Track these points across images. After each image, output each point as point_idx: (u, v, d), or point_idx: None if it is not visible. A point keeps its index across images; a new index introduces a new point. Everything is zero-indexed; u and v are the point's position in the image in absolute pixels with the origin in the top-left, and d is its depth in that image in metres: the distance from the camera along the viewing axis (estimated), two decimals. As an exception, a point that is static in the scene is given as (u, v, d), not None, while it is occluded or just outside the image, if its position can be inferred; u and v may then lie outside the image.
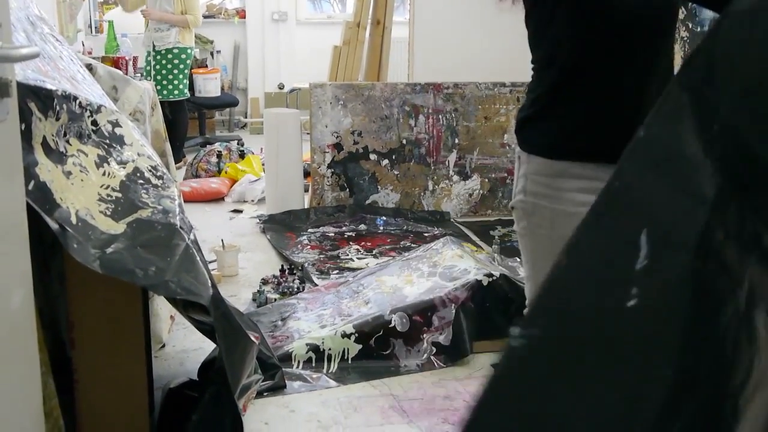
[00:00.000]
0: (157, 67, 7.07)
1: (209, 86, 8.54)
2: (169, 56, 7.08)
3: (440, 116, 5.65)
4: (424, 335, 3.41)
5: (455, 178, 5.71)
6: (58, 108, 2.11)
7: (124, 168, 2.29)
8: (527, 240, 2.08)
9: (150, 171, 2.34)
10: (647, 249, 0.74)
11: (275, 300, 4.01)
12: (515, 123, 2.11)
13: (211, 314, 2.14)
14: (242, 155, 6.90)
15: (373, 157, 5.63)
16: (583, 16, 1.90)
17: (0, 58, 1.41)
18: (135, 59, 6.00)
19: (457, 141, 5.68)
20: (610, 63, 1.92)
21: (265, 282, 4.29)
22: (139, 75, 6.78)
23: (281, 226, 5.33)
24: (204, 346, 3.33)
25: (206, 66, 9.14)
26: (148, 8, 7.11)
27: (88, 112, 2.27)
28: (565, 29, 1.92)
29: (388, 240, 5.07)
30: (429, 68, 5.82)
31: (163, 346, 3.47)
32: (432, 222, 5.49)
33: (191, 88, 8.00)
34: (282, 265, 4.56)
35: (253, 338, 2.55)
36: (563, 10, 1.91)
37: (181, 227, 2.20)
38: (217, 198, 6.24)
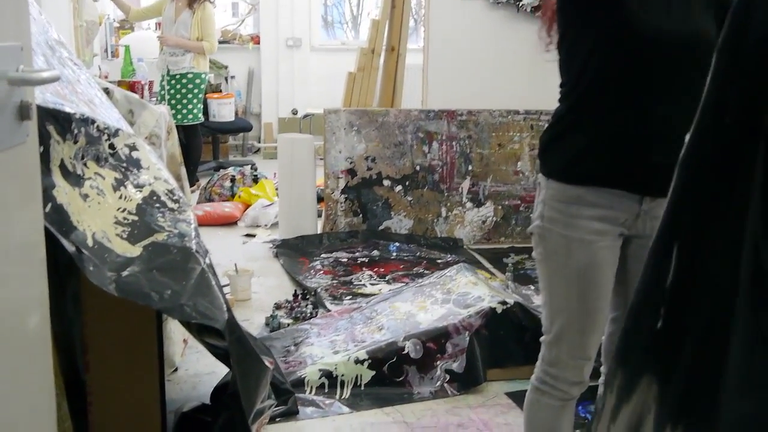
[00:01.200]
0: (172, 91, 7.10)
1: (223, 111, 8.58)
2: (184, 81, 7.12)
3: (454, 143, 5.65)
4: (438, 362, 3.39)
5: (468, 204, 5.71)
6: (76, 131, 2.12)
7: (140, 191, 2.29)
8: (543, 266, 2.08)
9: (166, 195, 2.34)
10: None
11: (288, 325, 4.00)
12: (538, 146, 2.12)
13: (225, 339, 2.13)
14: (256, 180, 6.91)
15: (386, 183, 5.63)
16: (609, 41, 1.91)
17: (21, 82, 1.42)
18: (150, 83, 6.05)
19: (470, 168, 5.68)
20: (633, 89, 1.92)
21: (278, 307, 4.29)
22: (154, 99, 6.82)
23: (294, 251, 5.33)
24: (217, 371, 3.32)
25: (220, 91, 9.18)
26: (164, 34, 7.16)
27: (105, 135, 2.28)
28: (591, 53, 1.93)
29: (401, 266, 5.06)
30: (443, 95, 5.83)
31: (176, 369, 3.46)
32: (445, 249, 5.48)
33: (205, 112, 8.04)
34: (295, 290, 4.56)
35: (267, 363, 2.54)
36: (592, 33, 1.92)
37: (196, 251, 2.20)
38: (230, 222, 6.25)
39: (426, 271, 4.86)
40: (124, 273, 2.03)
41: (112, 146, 2.31)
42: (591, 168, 1.98)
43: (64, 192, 2.03)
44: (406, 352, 3.39)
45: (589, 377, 2.13)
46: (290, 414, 3.10)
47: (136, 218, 2.20)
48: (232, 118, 8.75)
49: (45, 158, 1.96)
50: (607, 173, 1.97)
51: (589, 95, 1.97)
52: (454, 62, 5.83)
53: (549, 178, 2.04)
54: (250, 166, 7.43)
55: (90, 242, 2.02)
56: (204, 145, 8.03)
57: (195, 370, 3.49)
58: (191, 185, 6.62)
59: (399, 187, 5.64)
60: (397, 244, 5.47)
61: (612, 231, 2.00)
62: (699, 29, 1.89)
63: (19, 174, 1.51)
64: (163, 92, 7.10)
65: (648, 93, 1.90)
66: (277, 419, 3.05)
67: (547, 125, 2.12)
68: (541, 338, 2.15)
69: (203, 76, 7.26)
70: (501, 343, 3.47)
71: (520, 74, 5.76)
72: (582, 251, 1.99)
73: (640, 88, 1.90)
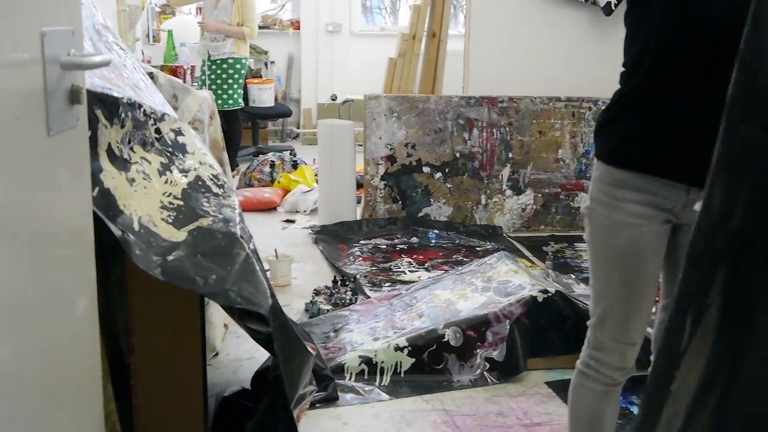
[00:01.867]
0: (212, 76, 7.12)
1: (263, 96, 8.60)
2: (224, 66, 7.14)
3: (494, 130, 5.62)
4: (478, 350, 3.38)
5: (508, 192, 5.68)
6: (123, 116, 2.13)
7: (186, 176, 2.30)
8: (590, 247, 2.09)
9: (211, 180, 2.35)
10: None
11: (328, 311, 4.00)
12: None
13: (269, 324, 2.14)
14: (295, 165, 6.93)
15: (426, 169, 5.62)
16: (672, 25, 1.87)
17: (73, 66, 1.42)
18: (193, 68, 6.07)
19: (510, 155, 5.65)
20: (691, 77, 1.88)
21: (317, 293, 4.29)
22: (196, 84, 6.85)
23: (333, 237, 5.33)
24: (257, 356, 3.34)
25: (260, 76, 9.21)
26: (205, 20, 7.18)
27: (152, 120, 2.29)
28: (653, 36, 1.90)
29: (440, 253, 5.05)
30: (484, 81, 5.79)
31: (217, 354, 3.48)
32: (484, 236, 5.46)
33: (245, 97, 8.06)
34: (334, 276, 4.57)
35: (309, 349, 2.54)
36: (656, 14, 1.89)
37: (241, 236, 2.20)
38: (269, 208, 6.27)
39: (465, 259, 4.84)
40: (170, 257, 2.04)
41: (158, 131, 2.32)
42: (638, 154, 1.96)
43: (111, 176, 2.04)
44: (446, 339, 3.38)
45: (634, 363, 2.12)
46: (330, 400, 3.11)
47: (181, 203, 2.21)
48: (272, 104, 8.77)
49: (93, 142, 1.97)
50: (653, 161, 1.95)
51: (646, 80, 1.93)
52: (495, 48, 5.80)
53: (599, 160, 2.04)
54: (289, 151, 7.45)
55: (136, 226, 2.03)
56: (243, 130, 8.06)
57: (235, 355, 3.50)
58: (231, 170, 6.65)
59: (439, 174, 5.62)
60: (436, 231, 5.46)
61: (657, 216, 1.98)
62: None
63: (70, 158, 1.52)
64: (203, 77, 7.12)
65: (706, 81, 1.86)
66: (317, 405, 3.06)
67: (604, 107, 2.10)
68: (588, 322, 2.15)
69: (243, 61, 7.27)
70: (541, 332, 3.45)
71: (561, 61, 5.72)
72: (625, 234, 1.98)
73: (699, 75, 1.87)
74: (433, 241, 5.32)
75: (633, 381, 2.20)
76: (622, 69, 2.00)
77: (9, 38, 1.26)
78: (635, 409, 3.03)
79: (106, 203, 1.98)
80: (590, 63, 5.59)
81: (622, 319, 2.05)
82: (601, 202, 2.01)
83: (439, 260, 4.90)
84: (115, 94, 2.12)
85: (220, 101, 7.04)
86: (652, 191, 1.96)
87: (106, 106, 2.07)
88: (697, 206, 1.31)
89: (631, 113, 1.98)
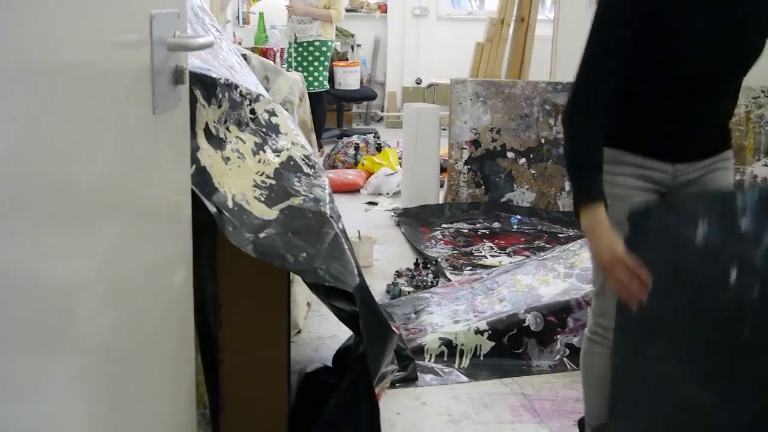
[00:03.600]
0: (299, 58, 7.20)
1: (349, 79, 8.67)
2: (311, 48, 7.20)
3: (580, 117, 5.56)
4: (558, 336, 3.38)
5: (593, 180, 5.62)
6: (220, 96, 2.19)
7: (278, 156, 2.35)
8: None
9: (303, 160, 2.40)
10: None
11: (409, 293, 4.04)
12: None
13: (356, 302, 2.18)
14: (379, 148, 6.97)
15: (510, 155, 5.61)
16: (670, 62, 2.05)
17: (179, 47, 1.48)
18: (282, 50, 6.13)
19: (596, 142, 5.59)
20: (685, 99, 2.09)
21: (399, 275, 4.34)
22: (284, 66, 6.93)
23: (415, 220, 5.37)
24: (339, 334, 3.40)
25: (347, 59, 9.27)
26: (293, 3, 7.24)
27: (247, 100, 2.35)
28: (671, 62, 2.06)
29: (522, 239, 5.05)
30: (572, 67, 5.70)
31: (299, 331, 3.55)
32: (567, 223, 5.42)
33: (331, 80, 8.13)
34: (416, 259, 4.60)
35: (394, 329, 2.58)
36: (658, 47, 2.05)
37: (330, 216, 2.25)
38: (353, 189, 6.34)
39: (547, 245, 4.83)
40: (262, 235, 2.09)
41: (252, 111, 2.38)
42: (633, 138, 2.14)
43: (207, 155, 2.10)
44: (526, 324, 3.39)
45: None
46: (410, 380, 3.15)
47: (273, 182, 2.26)
48: (357, 87, 8.83)
49: (191, 122, 2.03)
50: (646, 145, 2.13)
51: (649, 88, 2.10)
52: (583, 34, 5.71)
53: None
54: (373, 134, 7.50)
55: (230, 204, 2.09)
56: (328, 112, 8.14)
57: (317, 333, 3.57)
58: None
59: (523, 160, 5.61)
60: (518, 216, 5.45)
61: (649, 188, 2.14)
62: (751, 47, 2.09)
63: (173, 136, 1.58)
64: (290, 59, 7.20)
65: (697, 100, 2.09)
66: (397, 384, 3.10)
67: None
68: (592, 290, 2.31)
69: (330, 43, 7.33)
70: (624, 321, 3.43)
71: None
72: (619, 205, 2.06)
73: (691, 97, 2.09)
74: (515, 226, 5.32)
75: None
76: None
77: (121, 20, 1.32)
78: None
79: (202, 181, 2.05)
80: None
81: None
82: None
83: (521, 246, 4.90)
84: (214, 75, 2.19)
85: (306, 83, 7.11)
86: (641, 165, 2.13)
87: (205, 87, 2.14)
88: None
89: (628, 107, 2.13)
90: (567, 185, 5.60)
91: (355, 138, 7.15)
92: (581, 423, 2.54)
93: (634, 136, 2.14)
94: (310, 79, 7.21)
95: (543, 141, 5.59)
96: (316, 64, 7.24)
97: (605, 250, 1.97)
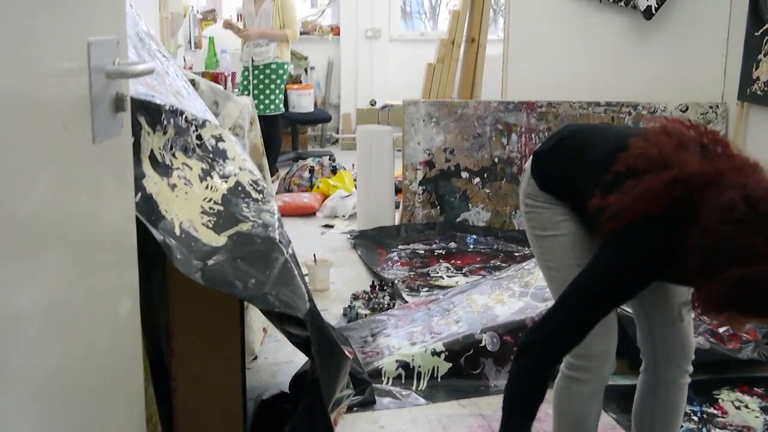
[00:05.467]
0: (255, 82, 7.18)
1: (303, 102, 8.66)
2: (267, 71, 7.19)
3: (533, 135, 5.61)
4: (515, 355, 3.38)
5: (547, 197, 5.65)
6: (165, 122, 2.18)
7: (226, 182, 2.34)
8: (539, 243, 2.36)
9: (251, 185, 2.38)
10: None
11: (366, 316, 4.03)
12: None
13: (307, 328, 2.17)
14: (334, 171, 6.96)
15: (464, 174, 5.63)
16: None
17: (118, 74, 1.46)
18: (233, 75, 6.13)
19: (549, 160, 5.62)
20: None
21: (355, 297, 4.32)
22: (236, 90, 6.92)
23: (372, 242, 5.36)
24: (295, 360, 3.37)
25: (300, 82, 9.27)
26: (247, 30, 7.21)
27: (193, 126, 2.33)
28: None
29: (479, 259, 5.06)
30: (522, 86, 5.79)
31: (255, 357, 3.52)
32: (523, 242, 5.42)
33: (285, 103, 8.12)
34: (372, 281, 4.59)
35: (347, 353, 2.57)
36: None
37: (280, 241, 2.24)
38: (309, 213, 6.31)
39: (503, 264, 4.85)
40: (210, 262, 2.08)
41: (199, 137, 2.36)
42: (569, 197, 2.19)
43: (153, 182, 2.08)
44: (483, 344, 3.39)
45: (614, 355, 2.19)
46: (367, 404, 3.13)
47: (221, 208, 2.25)
48: (312, 109, 8.83)
49: (136, 149, 2.01)
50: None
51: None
52: (534, 53, 5.79)
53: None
54: (328, 157, 7.49)
55: (177, 231, 2.07)
56: (283, 135, 8.12)
57: (274, 359, 3.54)
58: (271, 175, 6.70)
59: (477, 179, 5.63)
60: (474, 236, 5.46)
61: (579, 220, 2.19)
62: None
63: (114, 164, 1.56)
64: (246, 83, 7.18)
65: None
66: (355, 408, 3.08)
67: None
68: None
69: (286, 66, 7.32)
70: (579, 338, 3.44)
71: (601, 65, 5.69)
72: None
73: None
74: (471, 246, 5.33)
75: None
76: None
77: (57, 48, 1.30)
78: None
79: (148, 208, 2.03)
80: (630, 67, 5.57)
81: None
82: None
83: (477, 265, 4.91)
84: (158, 101, 2.17)
85: (261, 106, 7.10)
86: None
87: (149, 113, 2.12)
88: None
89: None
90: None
91: (310, 161, 7.13)
92: None
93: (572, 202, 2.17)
94: (267, 102, 7.20)
95: (496, 160, 5.62)
96: (272, 87, 7.23)
97: None
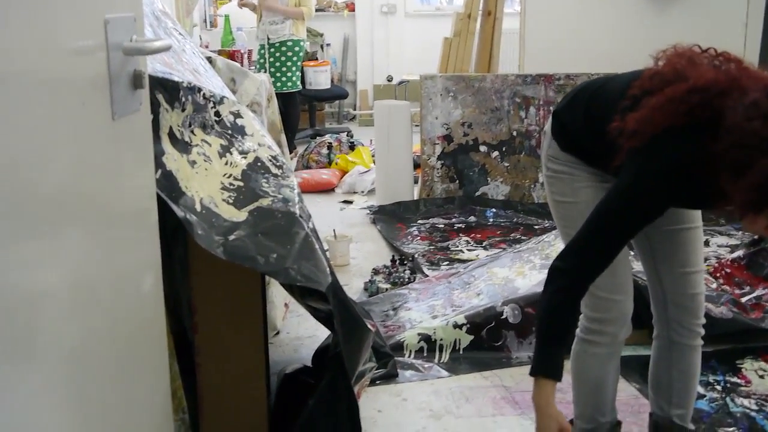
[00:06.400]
0: (271, 59, 7.17)
1: (319, 78, 8.65)
2: (283, 49, 7.18)
3: (551, 108, 5.58)
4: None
5: (566, 170, 5.64)
6: (183, 99, 2.18)
7: (245, 158, 2.34)
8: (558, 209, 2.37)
9: (270, 161, 2.39)
10: None
11: (386, 290, 4.04)
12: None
13: (329, 301, 2.17)
14: (352, 147, 6.97)
15: (483, 148, 5.61)
16: None
17: (135, 51, 1.47)
18: (250, 52, 6.12)
19: (568, 132, 5.60)
20: None
21: (376, 272, 4.33)
22: (253, 68, 6.91)
23: (391, 217, 5.37)
24: (317, 334, 3.39)
25: (317, 59, 9.25)
26: (265, 1, 7.19)
27: (211, 103, 2.33)
28: None
29: (498, 232, 5.06)
30: (540, 59, 5.76)
31: (278, 332, 3.54)
32: (542, 214, 5.43)
33: (302, 80, 8.12)
34: (393, 256, 4.60)
35: (369, 326, 2.58)
36: None
37: (300, 216, 2.24)
38: (327, 189, 6.32)
39: (523, 237, 4.84)
40: (231, 237, 2.08)
41: (217, 114, 2.37)
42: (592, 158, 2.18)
43: (173, 159, 2.09)
44: (504, 317, 3.39)
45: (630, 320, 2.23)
46: (390, 377, 3.15)
47: (241, 184, 2.25)
48: (328, 86, 8.81)
49: (155, 126, 2.02)
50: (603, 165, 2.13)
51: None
52: (551, 26, 5.76)
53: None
54: (346, 133, 7.49)
55: (198, 207, 2.07)
56: (301, 112, 8.12)
57: (296, 334, 3.56)
58: (289, 153, 6.71)
59: (495, 153, 5.62)
60: (493, 210, 5.46)
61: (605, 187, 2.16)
62: None
63: (134, 141, 1.56)
64: (263, 61, 7.17)
65: None
66: (377, 382, 3.10)
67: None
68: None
69: (302, 43, 7.31)
70: (600, 309, 3.44)
71: (618, 36, 5.65)
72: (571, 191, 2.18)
73: None
74: (491, 219, 5.33)
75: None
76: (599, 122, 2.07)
77: (74, 26, 1.30)
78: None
79: (168, 185, 2.03)
80: (647, 37, 5.50)
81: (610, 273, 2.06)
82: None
83: (497, 239, 4.91)
84: (176, 79, 2.17)
85: (278, 84, 7.09)
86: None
87: (167, 91, 2.12)
88: None
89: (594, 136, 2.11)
90: (540, 176, 5.62)
91: (328, 137, 7.13)
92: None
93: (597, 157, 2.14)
94: (284, 79, 7.20)
95: (515, 134, 5.60)
96: (288, 64, 7.22)
97: (548, 430, 1.94)
